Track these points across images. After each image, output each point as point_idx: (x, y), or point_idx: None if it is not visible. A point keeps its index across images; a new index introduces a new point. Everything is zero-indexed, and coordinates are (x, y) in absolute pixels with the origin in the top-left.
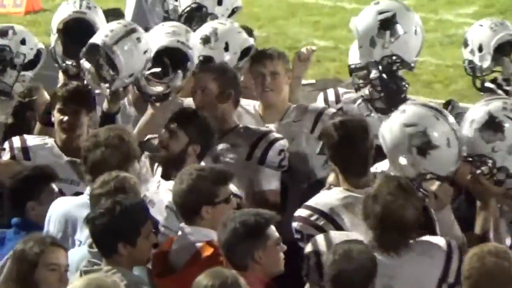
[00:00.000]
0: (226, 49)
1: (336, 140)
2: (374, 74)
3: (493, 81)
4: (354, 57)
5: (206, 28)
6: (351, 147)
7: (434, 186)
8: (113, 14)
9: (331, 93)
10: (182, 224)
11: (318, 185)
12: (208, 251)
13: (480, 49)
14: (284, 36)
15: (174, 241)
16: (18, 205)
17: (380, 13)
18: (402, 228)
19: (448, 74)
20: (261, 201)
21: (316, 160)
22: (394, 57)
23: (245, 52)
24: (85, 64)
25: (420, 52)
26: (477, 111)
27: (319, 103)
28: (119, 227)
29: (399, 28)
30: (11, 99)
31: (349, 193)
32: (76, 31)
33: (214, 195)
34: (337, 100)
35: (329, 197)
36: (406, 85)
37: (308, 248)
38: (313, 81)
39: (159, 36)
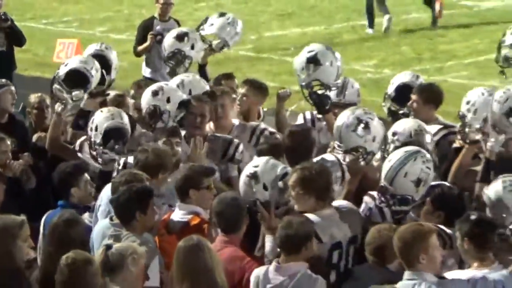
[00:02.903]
0: (168, 101)
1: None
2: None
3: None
4: None
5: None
6: None
7: None
8: None
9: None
10: (178, 203)
11: None
12: (196, 221)
13: None
14: None
15: (172, 214)
16: (65, 190)
17: (308, 52)
18: None
19: None
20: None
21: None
22: (316, 81)
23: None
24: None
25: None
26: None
27: (300, 119)
28: (136, 199)
29: (320, 61)
30: None
31: None
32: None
33: (199, 182)
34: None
35: None
36: (328, 101)
37: None
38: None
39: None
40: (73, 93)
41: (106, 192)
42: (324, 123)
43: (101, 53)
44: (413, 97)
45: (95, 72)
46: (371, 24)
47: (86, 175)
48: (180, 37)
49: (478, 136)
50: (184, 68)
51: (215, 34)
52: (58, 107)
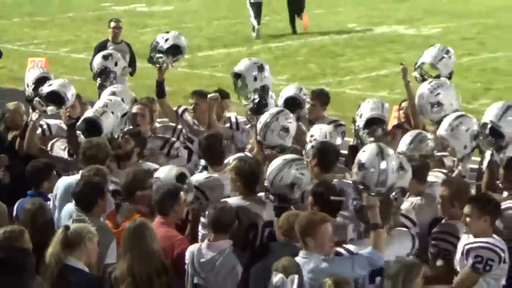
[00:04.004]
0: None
1: None
2: (255, 95)
3: None
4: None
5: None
6: None
7: None
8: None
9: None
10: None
11: None
12: (138, 213)
13: None
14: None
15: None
16: (38, 182)
17: (255, 63)
18: None
19: None
20: None
21: None
22: (265, 86)
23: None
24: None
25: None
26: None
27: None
28: (97, 188)
29: (265, 69)
30: None
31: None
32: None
33: (144, 183)
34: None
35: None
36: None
37: None
38: None
39: None
40: (49, 108)
41: (62, 182)
42: (248, 126)
43: (46, 75)
44: (312, 101)
45: (70, 95)
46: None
47: (54, 171)
48: (105, 57)
49: (370, 139)
50: (110, 81)
51: (174, 44)
52: (34, 116)
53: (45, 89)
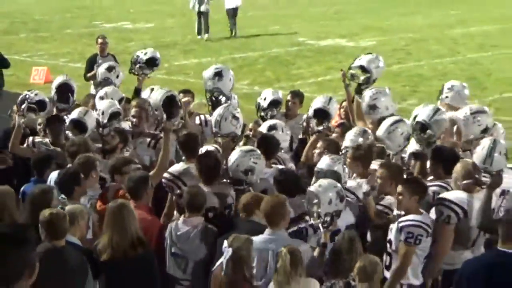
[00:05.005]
0: (103, 113)
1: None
2: (208, 97)
3: None
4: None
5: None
6: None
7: None
8: None
9: (202, 116)
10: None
11: None
12: (121, 193)
13: None
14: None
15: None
16: (41, 170)
17: (215, 69)
18: None
19: None
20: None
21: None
22: (217, 89)
23: (112, 115)
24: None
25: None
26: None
27: (197, 120)
28: (73, 177)
29: (222, 76)
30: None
31: None
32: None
33: (121, 169)
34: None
35: None
36: (220, 103)
37: None
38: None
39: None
40: (28, 114)
41: (54, 176)
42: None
43: (67, 82)
44: (292, 100)
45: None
46: (200, 33)
47: (54, 162)
48: (110, 69)
49: (319, 128)
50: None
51: (151, 56)
52: (19, 120)
53: (35, 97)
